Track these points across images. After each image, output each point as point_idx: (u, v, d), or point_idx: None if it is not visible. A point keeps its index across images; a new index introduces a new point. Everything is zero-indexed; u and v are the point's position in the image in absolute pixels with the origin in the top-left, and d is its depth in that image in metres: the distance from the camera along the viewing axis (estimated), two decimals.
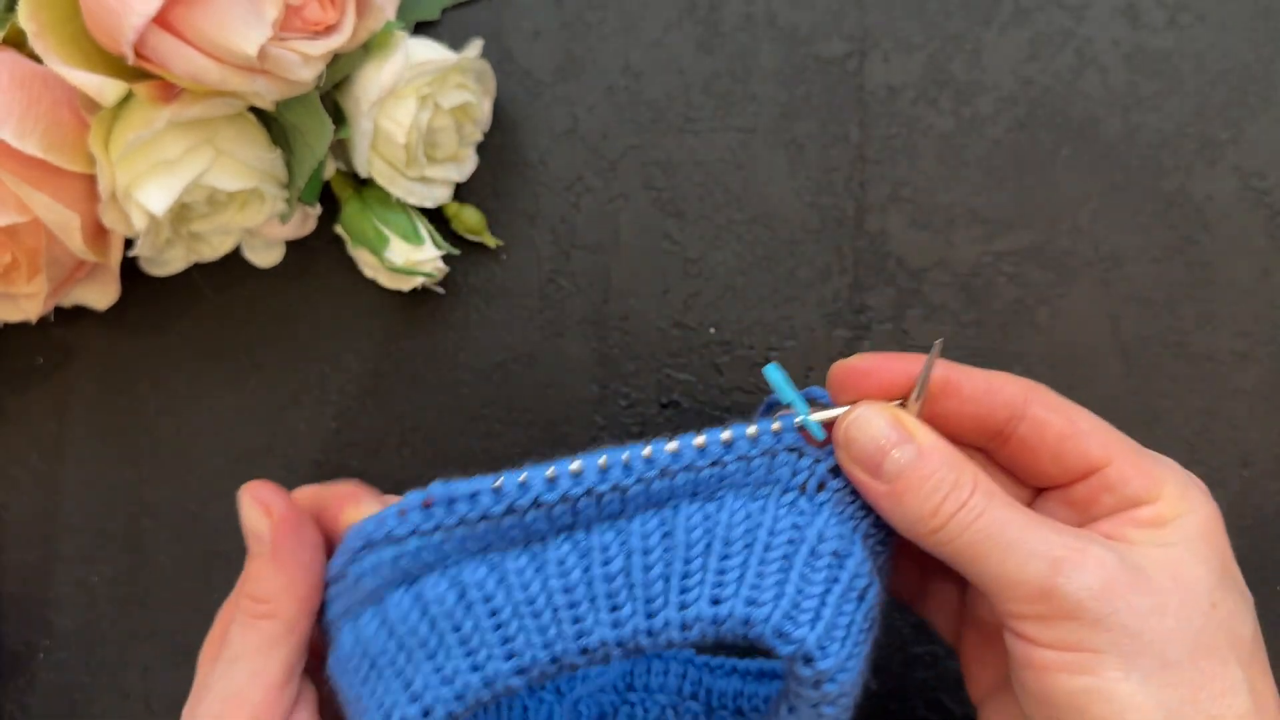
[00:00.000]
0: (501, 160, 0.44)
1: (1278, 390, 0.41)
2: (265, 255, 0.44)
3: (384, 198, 0.41)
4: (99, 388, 0.45)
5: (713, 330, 0.43)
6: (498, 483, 0.29)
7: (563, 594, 0.29)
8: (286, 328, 0.44)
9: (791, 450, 0.31)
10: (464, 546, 0.30)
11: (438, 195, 0.42)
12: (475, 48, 0.42)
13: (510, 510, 0.29)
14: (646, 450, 0.29)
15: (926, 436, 0.30)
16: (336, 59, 0.38)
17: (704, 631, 0.29)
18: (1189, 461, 0.41)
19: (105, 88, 0.35)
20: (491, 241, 0.43)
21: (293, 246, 0.44)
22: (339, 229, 0.43)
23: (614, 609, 0.29)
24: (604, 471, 0.29)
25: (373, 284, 0.43)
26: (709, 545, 0.30)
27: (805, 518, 0.30)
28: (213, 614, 0.44)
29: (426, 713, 0.29)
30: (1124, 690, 0.26)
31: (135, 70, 0.35)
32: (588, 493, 0.29)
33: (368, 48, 0.39)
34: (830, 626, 0.29)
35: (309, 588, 0.32)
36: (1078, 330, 0.42)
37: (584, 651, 0.29)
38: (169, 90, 0.36)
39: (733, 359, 0.43)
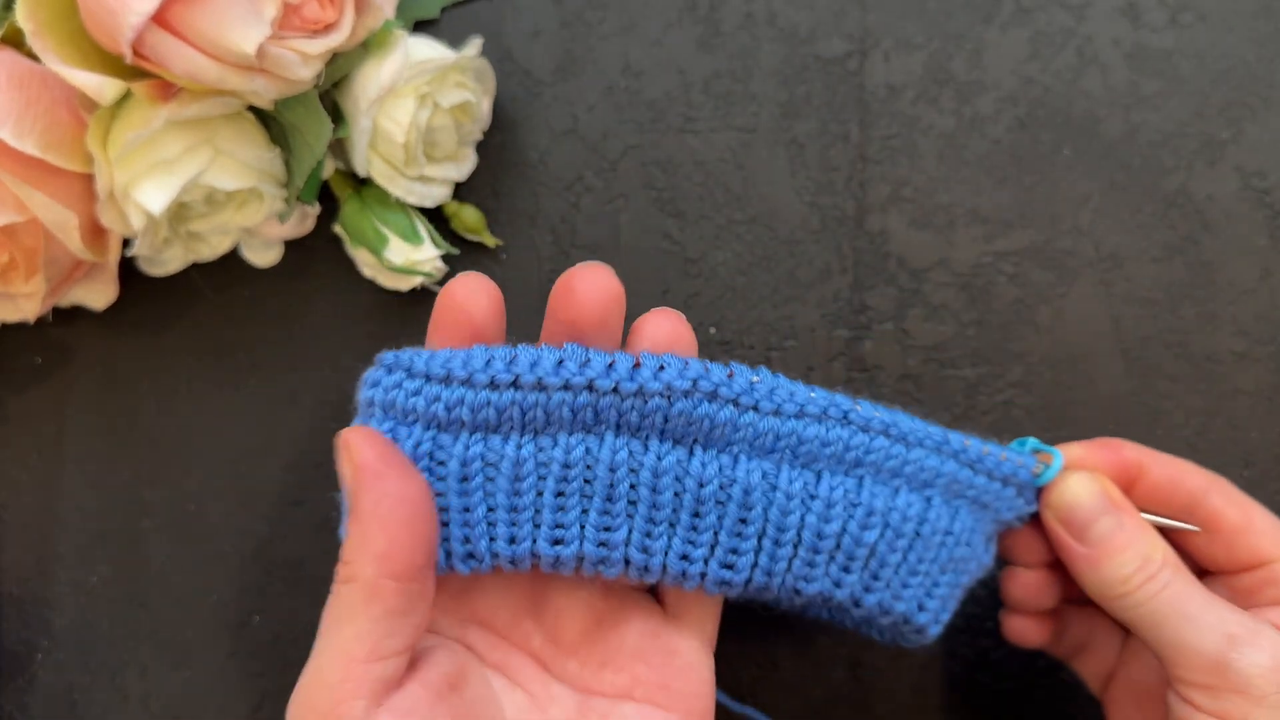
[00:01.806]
0: (501, 160, 0.44)
1: (1278, 390, 0.41)
2: (264, 255, 0.44)
3: (383, 197, 0.41)
4: (97, 388, 0.45)
5: (713, 330, 0.43)
6: (755, 377, 0.31)
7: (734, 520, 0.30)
8: (285, 328, 0.44)
9: (1020, 488, 0.34)
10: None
11: (437, 194, 0.42)
12: (475, 46, 0.42)
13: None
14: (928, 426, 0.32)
15: (1129, 511, 0.33)
16: (335, 58, 0.38)
17: (838, 600, 0.32)
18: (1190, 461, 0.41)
19: (103, 87, 0.35)
20: (491, 241, 0.43)
21: (291, 246, 0.44)
22: (338, 228, 0.42)
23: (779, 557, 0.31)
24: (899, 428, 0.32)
25: (372, 284, 0.43)
26: (938, 554, 0.33)
27: (990, 539, 0.34)
28: (212, 613, 0.44)
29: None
30: None
31: (133, 69, 0.35)
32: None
33: (367, 46, 0.39)
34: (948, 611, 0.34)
35: (392, 544, 0.28)
36: (1078, 330, 0.42)
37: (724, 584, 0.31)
38: (167, 89, 0.36)
39: (733, 359, 0.43)
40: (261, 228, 0.42)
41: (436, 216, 0.43)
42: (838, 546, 0.31)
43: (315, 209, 0.43)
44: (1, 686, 0.44)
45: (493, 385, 0.29)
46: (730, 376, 0.30)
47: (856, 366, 0.42)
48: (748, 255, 0.43)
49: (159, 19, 0.33)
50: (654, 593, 0.35)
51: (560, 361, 0.29)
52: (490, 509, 0.30)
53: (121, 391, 0.45)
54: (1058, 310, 0.42)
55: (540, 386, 0.29)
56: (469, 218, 0.43)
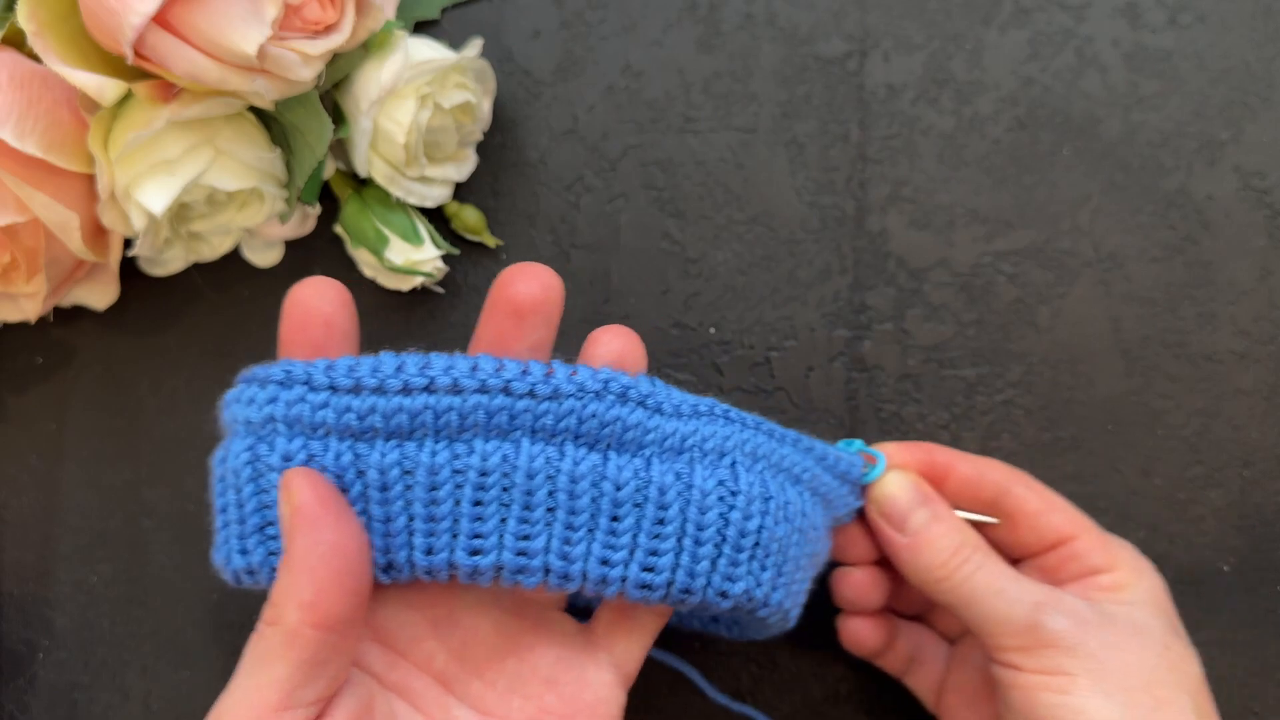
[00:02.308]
0: (501, 160, 0.44)
1: (1278, 390, 0.41)
2: (265, 255, 0.44)
3: (384, 197, 0.41)
4: (98, 387, 0.45)
5: (713, 330, 0.43)
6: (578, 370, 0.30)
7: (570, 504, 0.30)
8: None
9: (850, 486, 0.36)
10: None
11: (437, 195, 0.42)
12: (475, 47, 0.42)
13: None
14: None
15: (941, 503, 0.36)
16: (336, 58, 0.38)
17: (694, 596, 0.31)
18: (1189, 462, 0.41)
19: (104, 87, 0.35)
20: (491, 241, 0.43)
21: (292, 246, 0.44)
22: (338, 229, 0.42)
23: (657, 556, 0.31)
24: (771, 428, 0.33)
25: (372, 284, 0.43)
26: (802, 544, 0.33)
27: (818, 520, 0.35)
28: (213, 613, 0.44)
29: (251, 571, 0.31)
30: (1093, 705, 0.32)
31: (134, 70, 0.35)
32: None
33: (367, 47, 0.39)
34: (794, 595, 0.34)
35: (320, 594, 0.27)
36: (1078, 330, 0.42)
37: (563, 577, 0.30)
38: (168, 90, 0.36)
39: (733, 359, 0.43)
40: (262, 228, 0.42)
41: (437, 217, 0.43)
42: (757, 543, 0.31)
43: (316, 209, 0.43)
44: (2, 686, 0.44)
45: (405, 390, 0.29)
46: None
47: (856, 366, 0.42)
48: (748, 255, 0.43)
49: (160, 19, 0.33)
50: (586, 616, 0.34)
51: (474, 367, 0.29)
52: (410, 518, 0.29)
53: (122, 391, 0.45)
54: (1057, 310, 0.42)
55: (456, 389, 0.29)
56: (469, 218, 0.43)
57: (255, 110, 0.39)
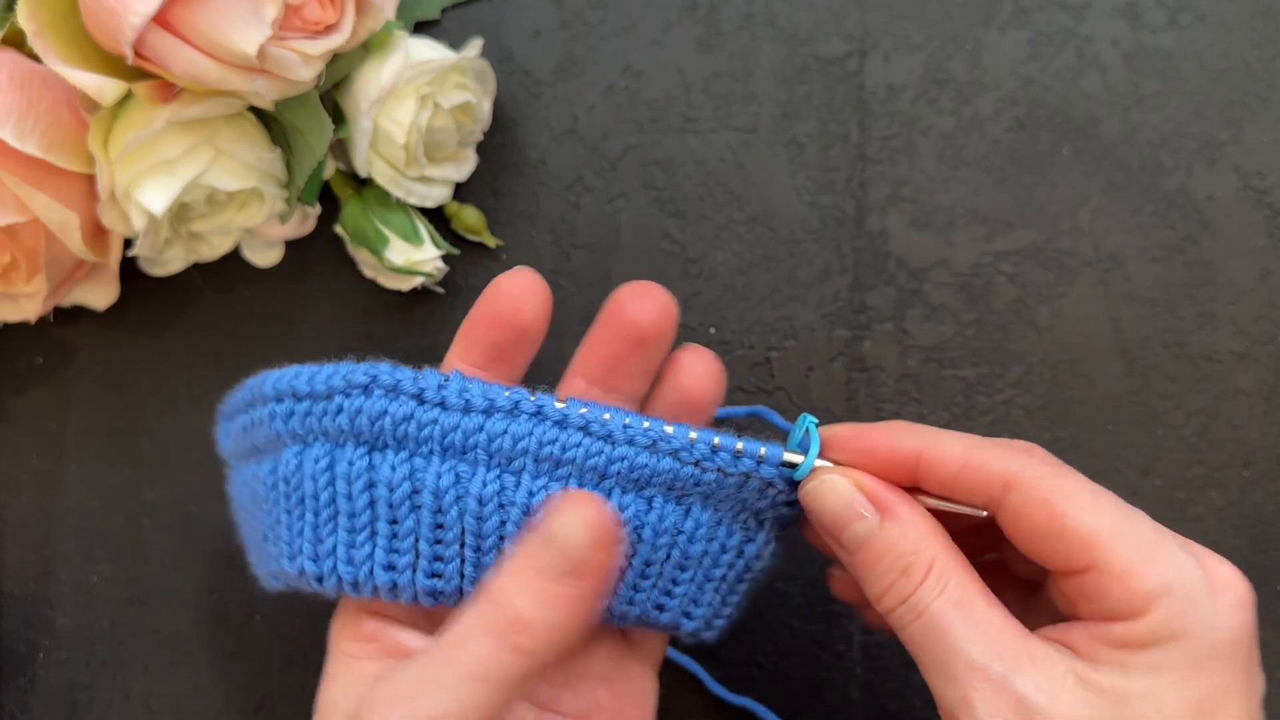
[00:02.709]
0: (501, 160, 0.44)
1: (1277, 390, 0.41)
2: (265, 255, 0.44)
3: (384, 197, 0.41)
4: (98, 388, 0.45)
5: (713, 330, 0.43)
6: (445, 381, 0.29)
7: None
8: (286, 328, 0.44)
9: (767, 483, 0.30)
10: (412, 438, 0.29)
11: (437, 195, 0.42)
12: (475, 47, 0.42)
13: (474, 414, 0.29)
14: (645, 423, 0.29)
15: (898, 509, 0.28)
16: (336, 58, 0.38)
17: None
18: (1189, 462, 0.41)
19: (104, 87, 0.35)
20: (491, 241, 0.43)
21: (292, 246, 0.44)
22: (339, 229, 0.42)
23: None
24: (590, 413, 0.29)
25: (372, 284, 0.43)
26: (669, 554, 0.30)
27: (750, 534, 0.32)
28: (213, 613, 0.44)
29: (320, 578, 0.29)
30: None
31: (135, 70, 0.35)
32: (563, 421, 0.29)
33: (367, 47, 0.39)
34: (725, 618, 0.33)
35: (578, 639, 0.26)
36: (1078, 330, 0.42)
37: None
38: (168, 90, 0.36)
39: (733, 359, 0.43)
40: (262, 228, 0.42)
41: (437, 217, 0.43)
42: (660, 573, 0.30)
43: (316, 209, 0.43)
44: (3, 686, 0.44)
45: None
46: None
47: (856, 366, 0.42)
48: (748, 255, 0.43)
49: (160, 19, 0.33)
50: None
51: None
52: (461, 545, 0.30)
53: (123, 391, 0.45)
54: (1057, 310, 0.42)
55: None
56: (469, 218, 0.43)
57: (255, 110, 0.39)
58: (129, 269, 0.43)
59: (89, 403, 0.45)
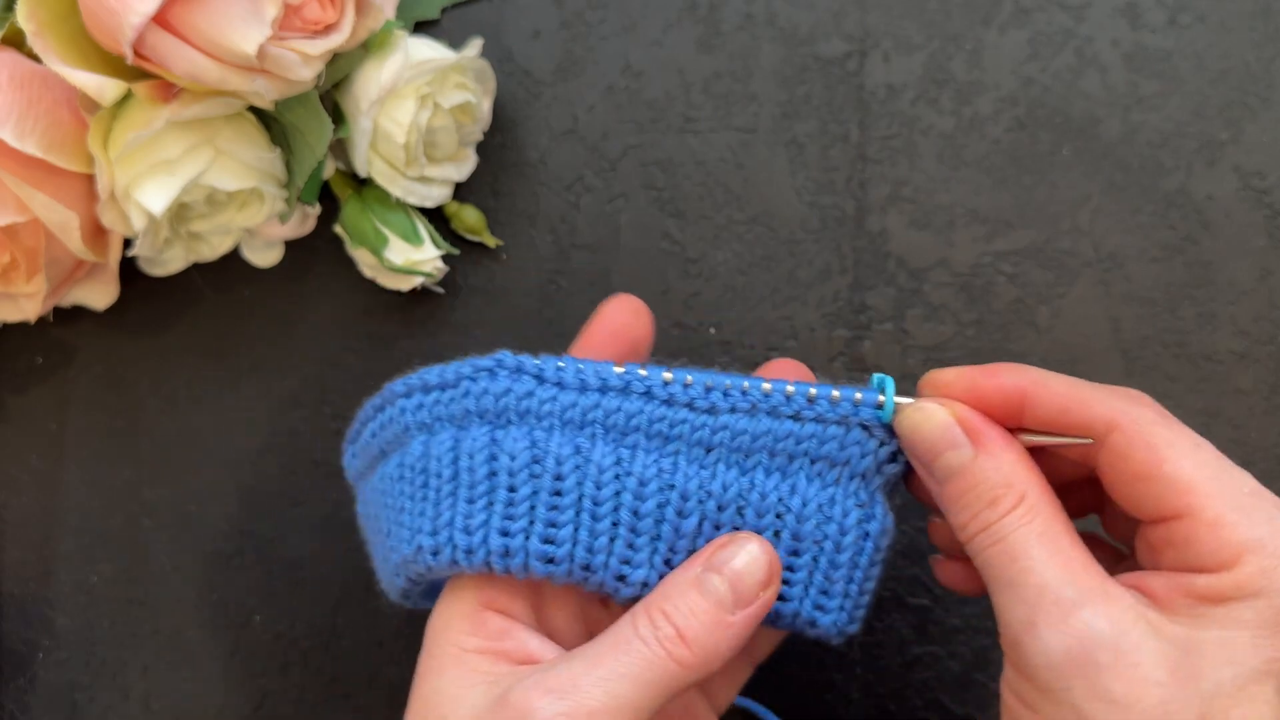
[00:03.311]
0: (501, 160, 0.44)
1: (1277, 390, 0.41)
2: (265, 255, 0.44)
3: (384, 197, 0.41)
4: (99, 387, 0.45)
5: (713, 330, 0.43)
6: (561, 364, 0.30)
7: (632, 515, 0.30)
8: (286, 328, 0.44)
9: (864, 428, 0.31)
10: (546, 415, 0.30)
11: (437, 195, 0.42)
12: (475, 47, 0.42)
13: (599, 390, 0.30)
14: (744, 383, 0.30)
15: (993, 444, 0.28)
16: (336, 58, 0.38)
17: None
18: None
19: (104, 87, 0.35)
20: (491, 241, 0.43)
21: (292, 246, 0.44)
22: (338, 229, 0.42)
23: (668, 561, 0.30)
24: (693, 387, 0.30)
25: (372, 284, 0.43)
26: (778, 534, 0.31)
27: (868, 512, 0.31)
28: (212, 613, 0.44)
29: (436, 551, 0.30)
30: None
31: (134, 70, 0.35)
32: (670, 399, 0.30)
33: (367, 47, 0.39)
34: (864, 608, 0.32)
35: (727, 662, 0.28)
36: (1078, 330, 0.42)
37: (620, 579, 0.30)
38: (168, 90, 0.36)
39: (733, 359, 0.43)
40: (262, 228, 0.42)
41: (437, 217, 0.43)
42: (657, 534, 0.30)
43: (316, 209, 0.43)
44: (3, 686, 0.44)
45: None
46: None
47: (856, 366, 0.42)
48: (748, 255, 0.43)
49: (160, 19, 0.33)
50: None
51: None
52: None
53: (122, 391, 0.45)
54: (1057, 310, 0.42)
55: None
56: (469, 218, 0.43)
57: (255, 110, 0.39)
58: (129, 269, 0.43)
59: (89, 403, 0.45)
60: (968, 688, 0.41)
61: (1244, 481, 0.26)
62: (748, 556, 0.28)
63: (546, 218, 0.44)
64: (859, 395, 0.30)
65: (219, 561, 0.44)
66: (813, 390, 0.30)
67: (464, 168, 0.43)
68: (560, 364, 0.30)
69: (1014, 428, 0.29)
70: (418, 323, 0.44)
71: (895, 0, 0.43)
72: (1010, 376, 0.29)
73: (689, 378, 0.30)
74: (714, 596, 0.28)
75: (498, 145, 0.44)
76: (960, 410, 0.29)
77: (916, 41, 0.43)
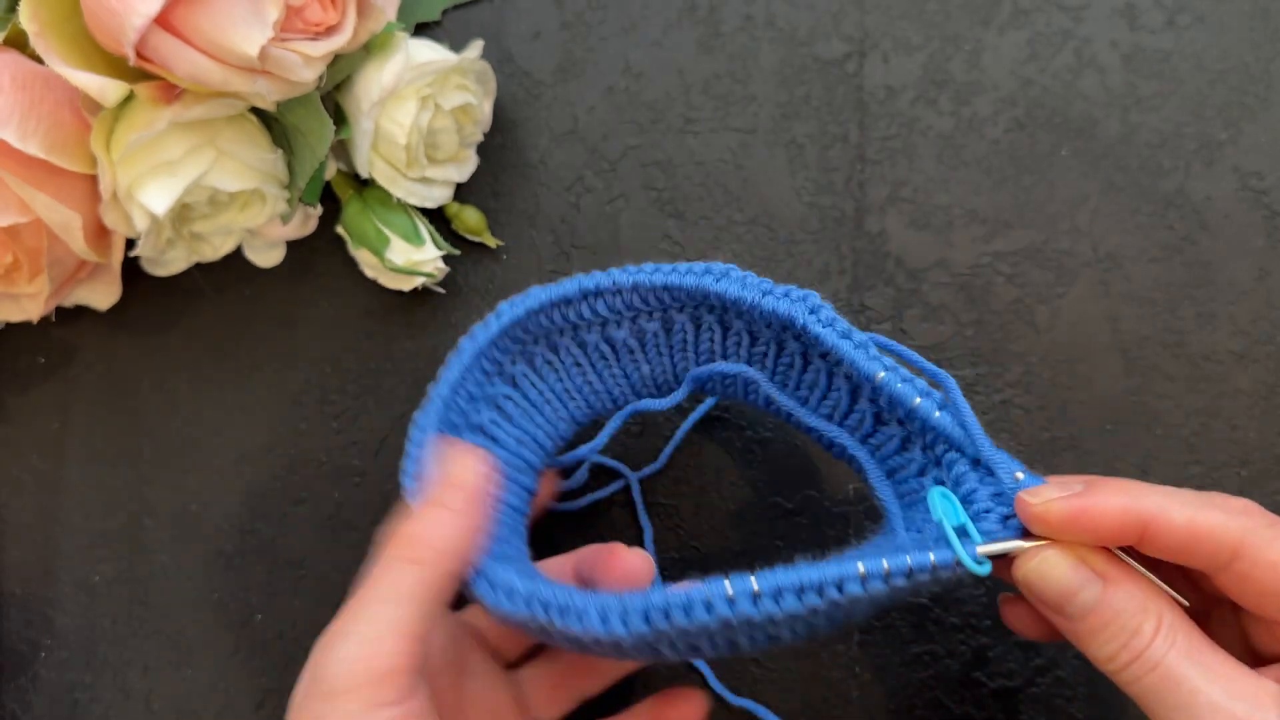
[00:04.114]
0: (502, 161, 0.44)
1: (1276, 389, 0.41)
2: (266, 255, 0.44)
3: (385, 198, 0.42)
4: (100, 387, 0.45)
5: None
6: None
7: None
8: (287, 328, 0.44)
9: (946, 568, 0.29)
10: None
11: (438, 196, 0.42)
12: (476, 48, 0.42)
13: None
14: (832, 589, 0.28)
15: (1114, 573, 0.29)
16: (337, 60, 0.38)
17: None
18: (1187, 461, 0.41)
19: (107, 88, 0.35)
20: (492, 242, 0.44)
21: (294, 247, 0.44)
22: (340, 229, 0.43)
23: None
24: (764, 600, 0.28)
25: (373, 284, 0.44)
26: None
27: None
28: (214, 612, 0.44)
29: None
30: None
31: (137, 71, 0.35)
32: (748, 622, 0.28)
33: (368, 48, 0.39)
34: None
35: (469, 560, 0.31)
36: (1077, 330, 0.42)
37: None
38: (170, 91, 0.36)
39: None
40: (264, 228, 0.42)
41: (438, 217, 0.43)
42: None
43: (317, 210, 0.43)
44: (4, 685, 0.45)
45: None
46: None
47: None
48: (747, 255, 0.43)
49: (162, 21, 0.33)
50: None
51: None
52: None
53: (124, 391, 0.45)
54: (1056, 310, 0.42)
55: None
56: (470, 219, 0.43)
57: (257, 111, 0.39)
58: (131, 269, 0.43)
59: (91, 402, 0.45)
60: (968, 687, 0.41)
61: None
62: (461, 459, 0.32)
63: (547, 218, 0.44)
64: (957, 563, 0.28)
65: (220, 561, 0.44)
66: (908, 565, 0.28)
67: (465, 169, 0.43)
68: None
69: (1125, 549, 0.29)
70: (419, 323, 0.44)
71: (894, 1, 0.43)
72: (1130, 506, 0.28)
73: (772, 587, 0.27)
74: (438, 499, 0.31)
75: (498, 146, 0.44)
76: (1082, 553, 0.29)
77: (915, 42, 0.43)
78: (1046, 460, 0.42)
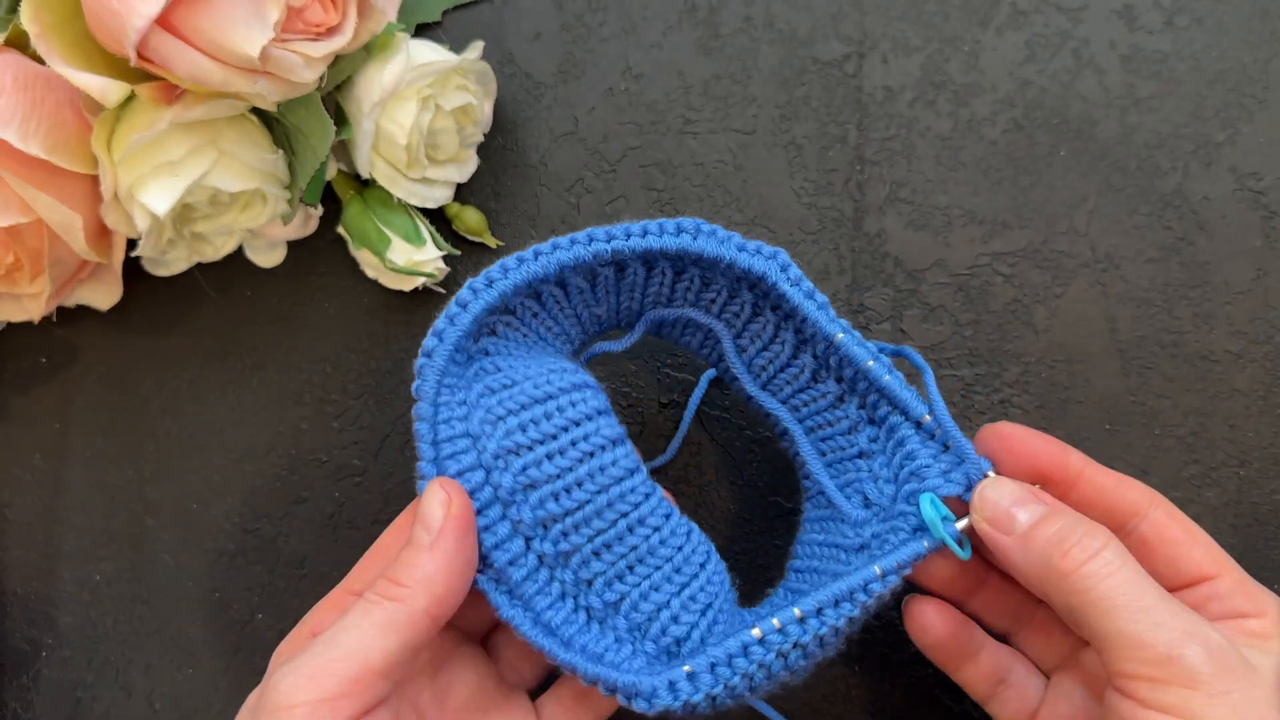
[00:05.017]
0: (502, 161, 0.44)
1: (1273, 389, 0.41)
2: (267, 256, 0.44)
3: (385, 198, 0.42)
4: (102, 387, 0.45)
5: None
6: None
7: None
8: (288, 328, 0.44)
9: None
10: None
11: (439, 196, 0.42)
12: (476, 49, 0.42)
13: None
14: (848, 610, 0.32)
15: (1057, 503, 0.32)
16: (338, 60, 0.38)
17: None
18: (1185, 461, 0.41)
19: (108, 89, 0.36)
20: (492, 242, 0.44)
21: (295, 247, 0.44)
22: (341, 230, 0.43)
23: None
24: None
25: (374, 284, 0.44)
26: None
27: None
28: (214, 612, 0.44)
29: None
30: None
31: (138, 71, 0.35)
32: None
33: (369, 49, 0.39)
34: None
35: (448, 591, 0.31)
36: (1075, 330, 0.42)
37: None
38: (171, 91, 0.36)
39: None
40: (265, 229, 0.42)
41: (438, 218, 0.43)
42: None
43: (318, 210, 0.43)
44: (6, 683, 0.45)
45: None
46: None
47: None
48: None
49: (163, 22, 0.33)
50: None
51: None
52: None
53: (125, 391, 0.45)
54: (1054, 310, 0.42)
55: None
56: (470, 219, 0.43)
57: (258, 112, 0.39)
58: (132, 269, 0.43)
59: (92, 402, 0.45)
60: None
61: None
62: (429, 496, 0.31)
63: (547, 219, 0.44)
64: (926, 544, 0.33)
65: (222, 560, 0.44)
66: (896, 570, 0.32)
67: (465, 169, 0.43)
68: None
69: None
70: (419, 323, 0.44)
71: (893, 3, 0.43)
72: (1073, 458, 0.33)
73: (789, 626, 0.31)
74: (412, 539, 0.31)
75: (499, 147, 0.44)
76: (1020, 484, 0.33)
77: (914, 44, 0.43)
78: None
